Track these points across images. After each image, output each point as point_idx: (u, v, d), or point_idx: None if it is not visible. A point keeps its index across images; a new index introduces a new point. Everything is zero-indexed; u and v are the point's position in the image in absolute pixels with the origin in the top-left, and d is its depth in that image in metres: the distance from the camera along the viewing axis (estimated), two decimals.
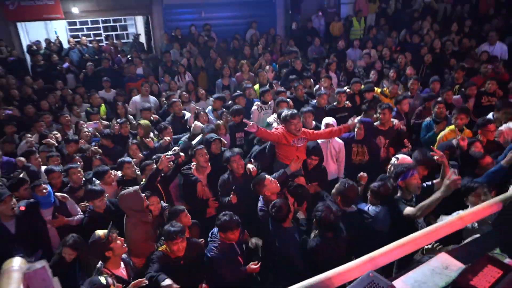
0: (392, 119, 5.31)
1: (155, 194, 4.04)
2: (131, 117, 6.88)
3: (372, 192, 3.58)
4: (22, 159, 4.87)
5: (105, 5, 11.28)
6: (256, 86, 7.42)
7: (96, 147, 5.50)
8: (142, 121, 5.99)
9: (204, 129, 5.25)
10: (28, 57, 10.72)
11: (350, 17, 11.44)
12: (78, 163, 4.77)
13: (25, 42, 11.33)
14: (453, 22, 10.15)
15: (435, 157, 3.57)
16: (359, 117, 5.05)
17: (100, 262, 3.12)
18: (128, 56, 10.35)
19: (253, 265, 3.40)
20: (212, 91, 8.14)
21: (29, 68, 10.40)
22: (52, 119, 6.76)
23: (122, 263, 3.26)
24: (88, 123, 6.48)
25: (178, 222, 3.53)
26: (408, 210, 3.18)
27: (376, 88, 6.87)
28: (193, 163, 4.55)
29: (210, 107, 6.61)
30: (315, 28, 11.43)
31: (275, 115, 5.76)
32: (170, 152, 4.47)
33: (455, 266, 1.67)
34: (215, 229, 3.51)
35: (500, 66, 7.14)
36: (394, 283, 1.56)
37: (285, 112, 4.22)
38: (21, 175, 4.48)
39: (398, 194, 3.49)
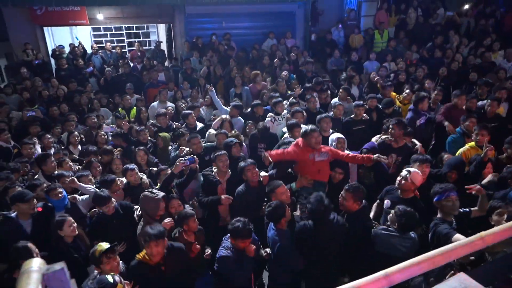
0: (414, 141, 5.18)
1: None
2: (152, 121, 6.94)
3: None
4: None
5: (130, 12, 11.58)
6: None
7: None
8: (162, 134, 6.07)
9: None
10: (52, 60, 11.07)
11: (371, 30, 11.40)
12: (88, 171, 4.82)
13: (50, 46, 11.70)
14: (476, 36, 10.01)
15: (473, 192, 3.61)
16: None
17: (96, 271, 3.07)
18: (144, 63, 10.50)
19: None
20: (228, 99, 8.21)
21: (53, 71, 10.71)
22: (77, 120, 6.99)
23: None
24: (105, 127, 6.61)
25: (185, 226, 3.59)
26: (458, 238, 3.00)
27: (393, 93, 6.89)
28: (214, 168, 4.57)
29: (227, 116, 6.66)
30: (334, 40, 11.44)
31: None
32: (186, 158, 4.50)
33: None
34: (228, 234, 3.51)
35: None
36: None
37: (305, 127, 4.30)
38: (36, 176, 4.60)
39: (438, 215, 3.44)
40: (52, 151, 5.74)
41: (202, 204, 4.44)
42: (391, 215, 3.45)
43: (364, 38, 11.40)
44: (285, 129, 5.83)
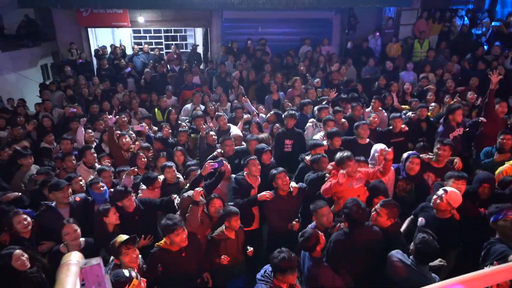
0: (454, 159, 4.91)
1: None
2: (184, 124, 7.07)
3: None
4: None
5: (169, 16, 11.92)
6: None
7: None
8: (194, 135, 6.17)
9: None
10: (94, 60, 11.57)
11: (410, 39, 11.10)
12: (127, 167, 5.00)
13: (93, 47, 12.23)
14: None
15: None
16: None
17: (112, 258, 3.21)
18: (182, 66, 10.74)
19: None
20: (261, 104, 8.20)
21: (94, 70, 11.19)
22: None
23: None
24: (135, 126, 6.79)
25: (227, 224, 3.72)
26: None
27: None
28: (245, 172, 4.58)
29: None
30: (371, 48, 11.23)
31: (322, 133, 5.71)
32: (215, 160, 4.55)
33: None
34: (269, 269, 3.15)
35: None
36: None
37: (340, 154, 4.16)
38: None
39: (497, 236, 3.27)
40: (94, 145, 6.05)
41: (238, 206, 4.41)
42: (412, 246, 3.13)
43: (402, 47, 11.11)
44: (316, 136, 5.77)
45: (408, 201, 4.37)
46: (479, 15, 11.65)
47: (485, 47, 9.77)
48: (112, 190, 4.38)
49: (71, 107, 7.53)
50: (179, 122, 7.23)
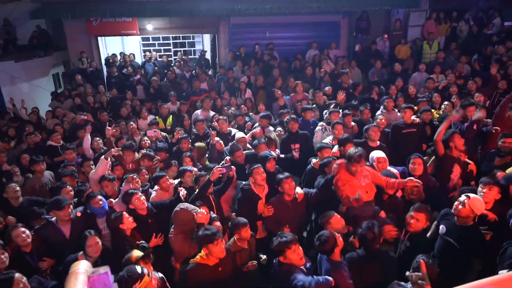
0: (466, 160, 4.91)
1: (206, 204, 4.08)
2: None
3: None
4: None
5: (177, 23, 12.05)
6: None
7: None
8: (197, 144, 6.19)
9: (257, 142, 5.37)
10: (104, 68, 11.74)
11: (419, 40, 11.01)
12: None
13: (103, 55, 12.42)
14: None
15: None
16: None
17: None
18: (193, 72, 10.84)
19: None
20: (269, 110, 8.19)
21: (104, 78, 11.35)
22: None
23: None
24: (148, 131, 6.85)
25: (237, 235, 3.65)
26: None
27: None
28: (251, 182, 4.49)
29: (257, 124, 6.68)
30: (379, 50, 11.16)
31: (331, 137, 5.68)
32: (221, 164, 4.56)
33: None
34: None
35: None
36: None
37: (352, 149, 4.08)
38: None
39: None
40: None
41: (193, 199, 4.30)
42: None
43: (411, 49, 11.02)
44: (326, 140, 5.73)
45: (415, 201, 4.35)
46: (489, 14, 11.47)
47: (495, 47, 9.60)
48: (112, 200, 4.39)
49: (82, 115, 7.63)
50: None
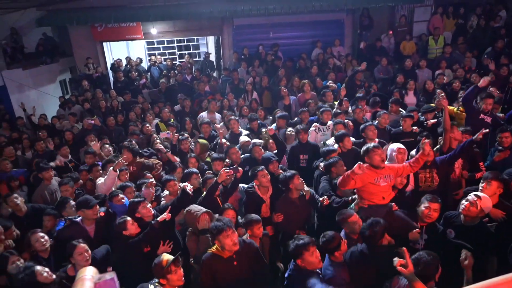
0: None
1: (212, 209, 4.05)
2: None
3: None
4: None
5: (181, 26, 12.10)
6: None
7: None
8: (200, 140, 6.20)
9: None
10: (110, 73, 11.83)
11: (425, 36, 10.90)
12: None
13: (108, 60, 12.52)
14: None
15: None
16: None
17: (155, 281, 3.08)
18: (194, 74, 10.85)
19: None
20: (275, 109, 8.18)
21: (110, 83, 11.44)
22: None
23: None
24: (161, 133, 6.88)
25: (250, 232, 3.63)
26: None
27: (450, 107, 6.42)
28: (255, 184, 4.50)
29: (274, 125, 6.67)
30: (385, 47, 11.08)
31: (333, 139, 5.63)
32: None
33: None
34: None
35: None
36: None
37: (367, 144, 3.97)
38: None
39: None
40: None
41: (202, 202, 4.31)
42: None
43: (416, 45, 10.92)
44: (328, 142, 5.71)
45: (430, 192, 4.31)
46: (495, 8, 11.31)
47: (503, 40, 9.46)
48: None
49: (90, 119, 7.70)
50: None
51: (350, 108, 6.93)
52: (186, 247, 3.95)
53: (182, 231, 4.25)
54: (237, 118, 6.84)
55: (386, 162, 4.48)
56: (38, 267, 3.12)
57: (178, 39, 13.98)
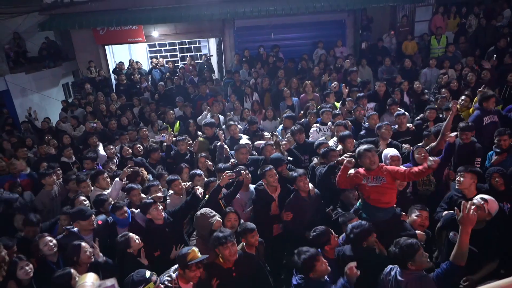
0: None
1: (216, 209, 4.04)
2: (200, 133, 7.15)
3: None
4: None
5: (182, 28, 12.13)
6: (337, 104, 7.37)
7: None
8: (200, 138, 6.19)
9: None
10: (112, 76, 11.87)
11: (427, 35, 10.86)
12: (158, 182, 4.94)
13: (111, 63, 12.56)
14: None
15: None
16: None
17: (175, 268, 3.13)
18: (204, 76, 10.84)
19: None
20: (277, 111, 8.16)
21: (113, 86, 11.48)
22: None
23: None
24: (156, 136, 6.90)
25: (244, 241, 3.61)
26: None
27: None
28: (264, 183, 4.49)
29: (280, 127, 6.66)
30: (386, 47, 11.06)
31: (335, 139, 5.62)
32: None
33: None
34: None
35: None
36: None
37: (360, 147, 3.91)
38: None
39: None
40: (115, 160, 6.21)
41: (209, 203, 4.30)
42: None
43: (418, 44, 10.89)
44: (331, 142, 5.69)
45: (428, 195, 4.40)
46: (500, 4, 11.24)
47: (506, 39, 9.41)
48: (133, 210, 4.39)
49: (92, 123, 7.73)
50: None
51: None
52: None
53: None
54: (236, 122, 6.80)
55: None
56: (72, 271, 3.08)
57: (179, 41, 14.02)
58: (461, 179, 3.79)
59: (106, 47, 12.46)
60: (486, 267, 3.22)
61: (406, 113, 5.92)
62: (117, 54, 13.30)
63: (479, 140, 5.01)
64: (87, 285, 1.10)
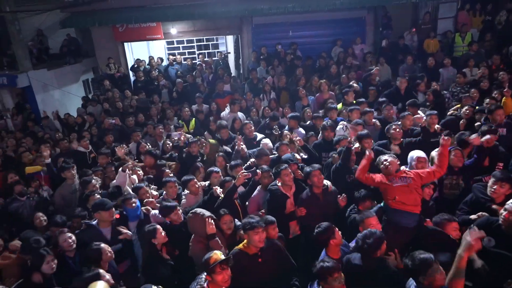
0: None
1: (230, 211, 4.03)
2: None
3: None
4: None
5: (200, 25, 12.16)
6: (339, 105, 7.18)
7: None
8: (211, 140, 6.16)
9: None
10: (131, 73, 12.00)
11: (450, 33, 10.52)
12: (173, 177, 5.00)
13: (129, 60, 12.70)
14: None
15: None
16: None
17: (204, 275, 3.08)
18: (219, 73, 10.81)
19: None
20: (293, 110, 8.04)
21: (131, 83, 11.61)
22: (145, 131, 7.41)
23: None
24: (173, 133, 6.90)
25: (266, 234, 3.54)
26: None
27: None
28: (278, 182, 4.45)
29: (286, 126, 6.58)
30: (407, 45, 10.76)
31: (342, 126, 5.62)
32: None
33: None
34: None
35: None
36: None
37: (382, 156, 3.91)
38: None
39: None
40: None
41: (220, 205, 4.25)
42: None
43: (440, 42, 10.55)
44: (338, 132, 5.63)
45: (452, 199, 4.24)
46: None
47: None
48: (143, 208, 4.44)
49: (111, 119, 7.81)
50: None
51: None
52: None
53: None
54: (251, 121, 6.72)
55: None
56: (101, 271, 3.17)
57: (197, 38, 14.05)
58: (500, 189, 3.60)
59: (125, 44, 12.60)
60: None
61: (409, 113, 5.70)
62: (136, 51, 13.43)
63: None
64: None
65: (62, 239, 3.79)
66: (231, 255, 3.24)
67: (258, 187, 4.59)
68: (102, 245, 3.52)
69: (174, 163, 5.95)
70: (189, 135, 6.94)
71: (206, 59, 11.94)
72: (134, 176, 5.24)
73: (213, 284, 2.96)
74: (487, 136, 4.42)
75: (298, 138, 5.38)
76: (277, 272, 3.40)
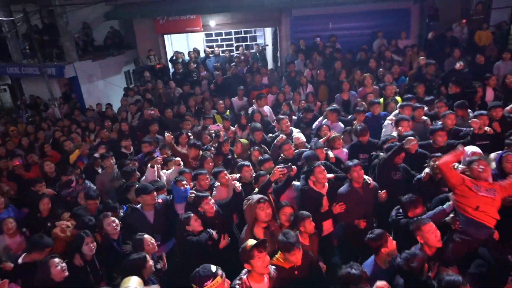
0: None
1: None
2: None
3: None
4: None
5: (239, 18, 12.14)
6: (381, 99, 6.90)
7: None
8: (243, 140, 6.12)
9: (314, 145, 5.13)
10: (170, 64, 12.23)
11: (505, 24, 9.78)
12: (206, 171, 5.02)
13: (169, 52, 12.94)
14: None
15: None
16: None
17: (245, 271, 3.09)
18: (253, 66, 10.77)
19: None
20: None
21: (170, 74, 11.83)
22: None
23: (266, 279, 3.07)
24: (211, 125, 6.91)
25: (302, 228, 3.60)
26: None
27: None
28: (311, 179, 4.33)
29: (324, 121, 6.41)
30: (456, 37, 10.12)
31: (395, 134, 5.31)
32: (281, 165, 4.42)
33: None
34: None
35: None
36: None
37: (473, 157, 3.66)
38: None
39: None
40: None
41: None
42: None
43: (493, 34, 9.83)
44: (394, 133, 5.36)
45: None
46: None
47: None
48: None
49: (150, 110, 7.98)
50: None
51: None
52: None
53: None
54: (286, 116, 6.60)
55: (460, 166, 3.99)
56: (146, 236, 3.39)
57: (235, 30, 14.05)
58: None
59: (165, 36, 12.84)
60: None
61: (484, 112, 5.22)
62: (175, 44, 13.66)
63: None
64: None
65: (106, 223, 3.95)
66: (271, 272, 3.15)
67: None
68: (146, 236, 3.63)
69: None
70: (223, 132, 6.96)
71: (245, 51, 11.88)
72: (164, 171, 5.35)
73: (253, 274, 2.96)
74: None
75: (331, 155, 5.14)
76: (310, 281, 3.37)
